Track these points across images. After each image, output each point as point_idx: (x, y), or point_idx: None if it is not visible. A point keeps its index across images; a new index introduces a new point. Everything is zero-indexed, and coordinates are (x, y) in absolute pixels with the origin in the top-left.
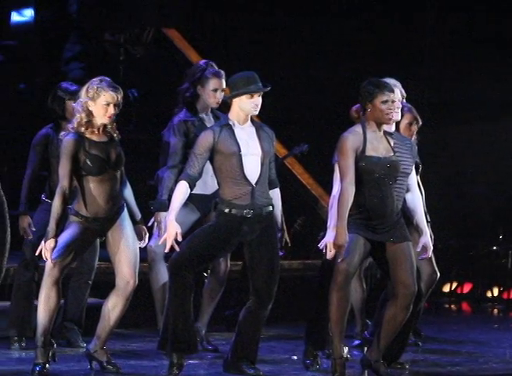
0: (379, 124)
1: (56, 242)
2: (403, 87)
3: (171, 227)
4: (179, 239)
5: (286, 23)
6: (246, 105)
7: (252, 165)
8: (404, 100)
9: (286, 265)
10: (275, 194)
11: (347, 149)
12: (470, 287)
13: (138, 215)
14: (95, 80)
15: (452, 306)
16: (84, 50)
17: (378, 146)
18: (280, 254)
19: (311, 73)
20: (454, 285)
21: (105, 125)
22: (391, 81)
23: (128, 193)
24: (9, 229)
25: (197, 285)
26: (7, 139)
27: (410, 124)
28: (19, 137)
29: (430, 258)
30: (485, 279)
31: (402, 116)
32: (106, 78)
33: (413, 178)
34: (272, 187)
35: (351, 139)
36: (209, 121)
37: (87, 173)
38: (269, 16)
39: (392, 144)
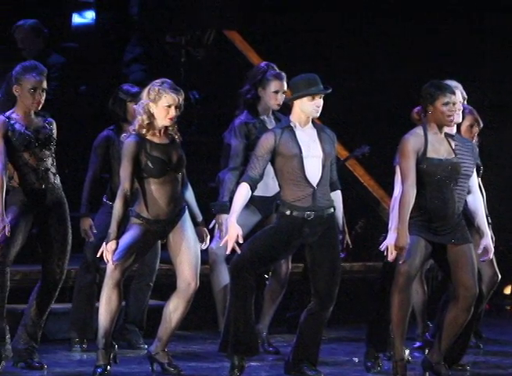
0: (440, 126)
1: (118, 244)
2: (464, 89)
3: (232, 229)
4: (240, 241)
5: (347, 24)
6: (308, 107)
7: (313, 167)
8: (465, 102)
9: (348, 267)
10: (337, 196)
11: (408, 151)
12: None
13: (200, 217)
14: (157, 82)
15: None
16: (145, 52)
17: (439, 148)
18: (341, 256)
19: (373, 75)
20: None
21: (166, 127)
22: (453, 83)
23: (190, 195)
24: (70, 231)
25: (259, 287)
26: (68, 141)
27: (471, 126)
28: (80, 139)
29: (492, 260)
30: None
31: (463, 118)
32: (168, 80)
33: (474, 180)
34: (333, 189)
35: (413, 140)
36: (270, 123)
37: (148, 175)
38: (331, 18)
39: (453, 146)
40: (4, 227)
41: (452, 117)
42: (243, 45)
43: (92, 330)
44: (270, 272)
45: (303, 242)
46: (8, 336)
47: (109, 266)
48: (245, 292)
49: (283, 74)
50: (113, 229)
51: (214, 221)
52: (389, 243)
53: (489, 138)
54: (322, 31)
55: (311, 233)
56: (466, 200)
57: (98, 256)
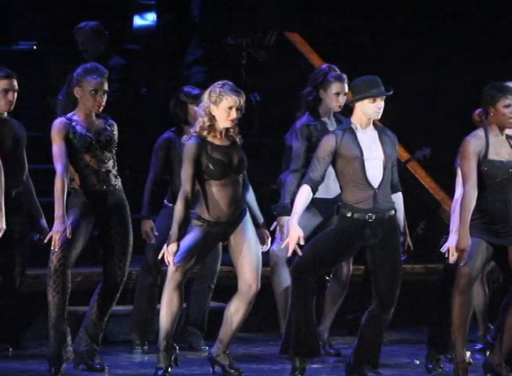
0: (501, 128)
1: (179, 246)
2: None
3: (293, 231)
4: (302, 243)
5: (408, 25)
6: (369, 109)
7: (374, 169)
8: None
9: (409, 269)
10: (398, 198)
11: (469, 153)
12: None
13: (261, 219)
14: (218, 84)
15: None
16: (206, 54)
17: (500, 150)
18: (403, 258)
19: (434, 76)
20: None
21: (227, 129)
22: None
23: (251, 196)
24: (131, 233)
25: (320, 289)
26: (129, 143)
27: None
28: (141, 141)
29: None
30: None
31: None
32: (229, 82)
33: None
34: (394, 191)
35: (474, 142)
36: (331, 124)
37: (209, 177)
38: (391, 19)
39: None
40: (65, 229)
41: None
42: (304, 47)
43: (153, 332)
44: (331, 274)
45: (364, 244)
46: (69, 338)
47: (171, 268)
48: (306, 294)
49: (344, 75)
50: (174, 231)
51: (275, 223)
52: (450, 245)
53: None
54: (383, 33)
55: (372, 235)
56: None
57: (159, 258)
